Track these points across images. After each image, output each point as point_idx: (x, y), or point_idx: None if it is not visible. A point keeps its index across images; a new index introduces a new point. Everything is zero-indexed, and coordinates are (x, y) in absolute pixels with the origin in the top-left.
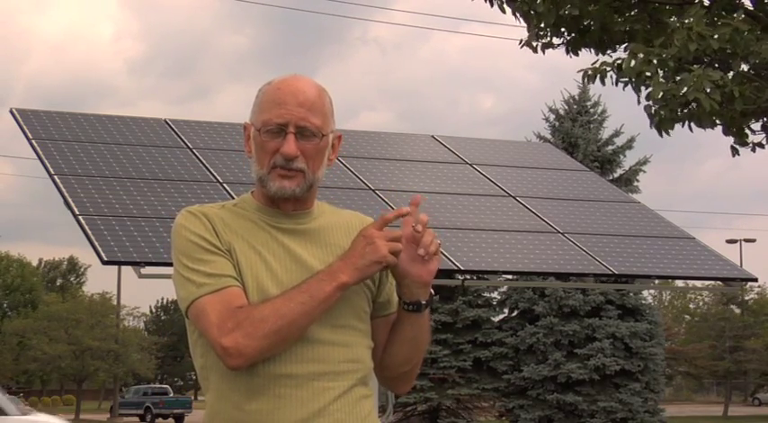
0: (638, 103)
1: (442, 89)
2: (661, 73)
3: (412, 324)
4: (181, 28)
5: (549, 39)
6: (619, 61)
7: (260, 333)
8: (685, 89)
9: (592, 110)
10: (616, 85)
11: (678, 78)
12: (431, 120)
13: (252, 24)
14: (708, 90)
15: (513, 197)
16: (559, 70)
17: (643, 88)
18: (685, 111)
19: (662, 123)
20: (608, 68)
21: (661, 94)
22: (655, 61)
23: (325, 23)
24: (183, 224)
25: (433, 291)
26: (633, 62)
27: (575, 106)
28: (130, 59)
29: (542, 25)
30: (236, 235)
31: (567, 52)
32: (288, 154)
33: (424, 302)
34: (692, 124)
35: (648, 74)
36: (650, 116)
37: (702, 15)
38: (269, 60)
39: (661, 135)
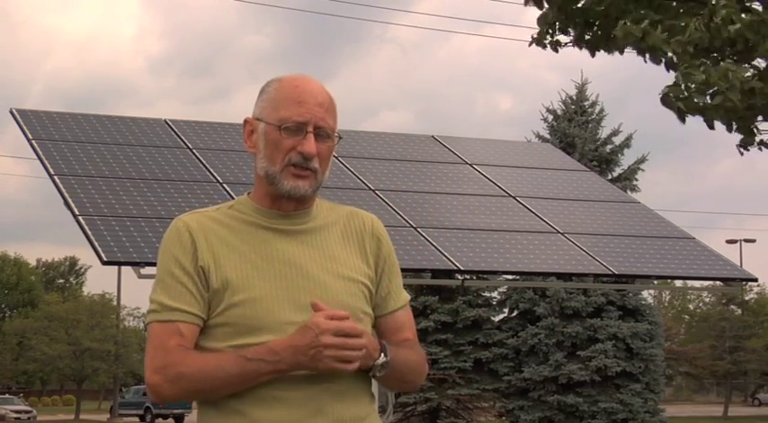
0: (667, 70)
1: (461, 90)
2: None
3: (387, 376)
4: (201, 28)
5: (557, 36)
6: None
7: (179, 385)
8: (715, 86)
9: (590, 109)
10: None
11: (702, 69)
12: (450, 120)
13: (272, 24)
14: (736, 85)
15: (513, 197)
16: (579, 71)
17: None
18: (707, 103)
19: (687, 106)
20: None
21: (693, 84)
22: (675, 49)
23: (345, 24)
24: (165, 240)
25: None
26: (658, 34)
27: (572, 106)
28: (151, 58)
29: (553, 20)
30: (225, 244)
31: (575, 45)
32: (309, 153)
33: (380, 363)
34: (706, 119)
35: (674, 57)
36: (668, 104)
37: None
38: (289, 60)
39: (684, 121)
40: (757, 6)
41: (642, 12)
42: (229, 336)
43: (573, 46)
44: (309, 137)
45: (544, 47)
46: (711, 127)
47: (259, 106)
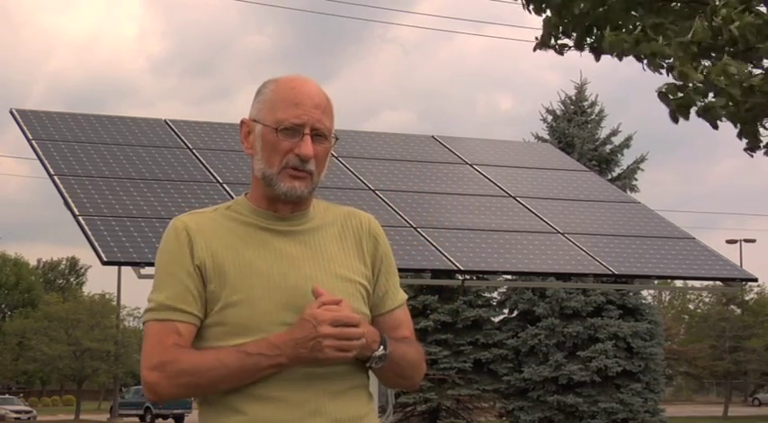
0: (649, 69)
1: (462, 90)
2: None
3: (385, 370)
4: (202, 28)
5: (561, 40)
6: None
7: (177, 381)
8: (715, 84)
9: (589, 110)
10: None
11: (700, 69)
12: (452, 120)
13: (273, 24)
14: (735, 83)
15: (513, 197)
16: (580, 71)
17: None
18: (705, 102)
19: (680, 108)
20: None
21: (691, 84)
22: (674, 46)
23: (346, 24)
24: (163, 240)
25: (383, 338)
26: (657, 40)
27: (571, 106)
28: (153, 58)
29: (556, 24)
30: (223, 244)
31: (576, 49)
32: (306, 155)
33: (378, 355)
34: (705, 118)
35: (670, 57)
36: (665, 101)
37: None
38: (290, 61)
39: (676, 122)
40: (761, 9)
41: (642, 15)
42: (225, 336)
43: (575, 50)
44: (306, 139)
45: (550, 49)
46: (715, 127)
47: (256, 108)
